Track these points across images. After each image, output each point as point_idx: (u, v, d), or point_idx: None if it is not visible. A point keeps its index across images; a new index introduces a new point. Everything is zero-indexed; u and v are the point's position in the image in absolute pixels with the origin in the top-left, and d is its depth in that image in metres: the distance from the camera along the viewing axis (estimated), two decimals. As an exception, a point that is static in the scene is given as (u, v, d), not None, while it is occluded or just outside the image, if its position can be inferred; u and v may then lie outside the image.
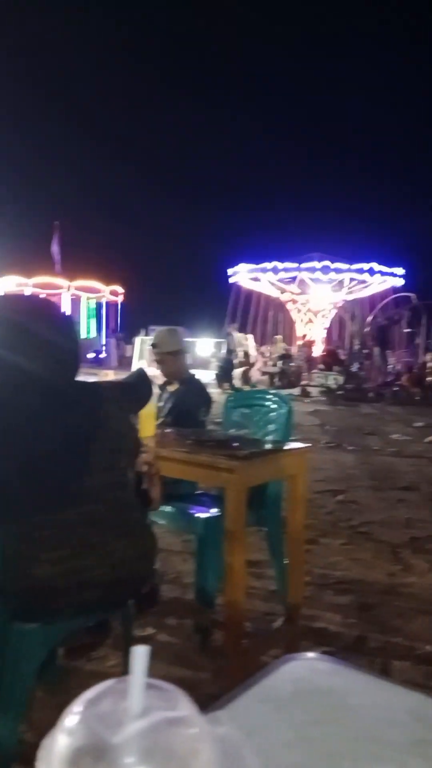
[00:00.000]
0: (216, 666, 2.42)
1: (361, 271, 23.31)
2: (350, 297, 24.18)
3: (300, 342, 22.92)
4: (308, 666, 0.82)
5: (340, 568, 3.52)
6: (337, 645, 2.64)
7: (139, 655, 0.37)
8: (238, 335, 17.83)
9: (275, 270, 23.54)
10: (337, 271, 23.10)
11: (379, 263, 23.60)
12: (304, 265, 23.05)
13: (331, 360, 17.06)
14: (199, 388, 3.32)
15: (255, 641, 2.61)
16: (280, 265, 23.36)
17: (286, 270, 23.39)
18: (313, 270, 23.04)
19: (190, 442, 2.52)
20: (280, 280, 24.32)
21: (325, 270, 22.98)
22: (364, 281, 23.78)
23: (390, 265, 23.96)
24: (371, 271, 23.43)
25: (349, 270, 23.19)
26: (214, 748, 0.38)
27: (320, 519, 4.44)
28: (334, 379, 15.52)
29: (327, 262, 22.87)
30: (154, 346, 3.39)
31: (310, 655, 0.89)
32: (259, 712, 0.70)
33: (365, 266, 23.25)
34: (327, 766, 0.61)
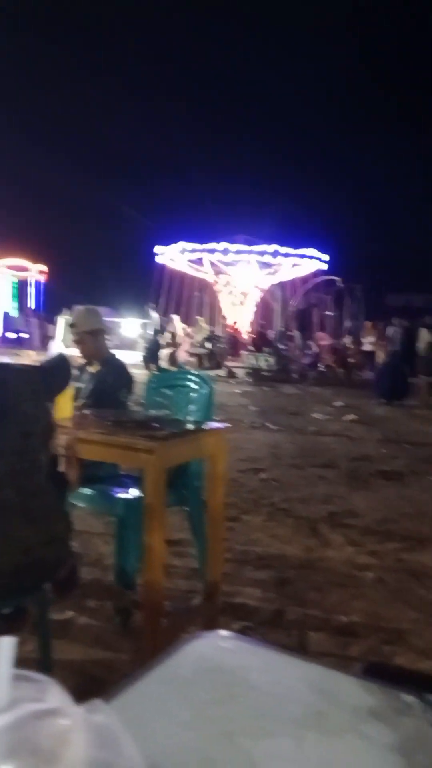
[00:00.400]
0: (136, 647, 2.42)
1: (302, 256, 23.57)
2: (276, 280, 24.48)
3: (224, 322, 23.04)
4: (212, 644, 0.82)
5: (261, 545, 3.59)
6: (256, 620, 2.70)
7: (4, 647, 0.35)
8: (155, 315, 17.70)
9: (225, 252, 23.21)
10: (286, 255, 23.23)
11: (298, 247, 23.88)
12: (255, 248, 22.97)
13: (260, 341, 17.32)
14: (120, 368, 3.26)
15: (174, 620, 2.62)
16: (231, 246, 23.07)
17: (238, 252, 23.13)
18: (263, 253, 23.03)
19: (109, 424, 2.48)
20: (212, 261, 24.19)
21: (275, 254, 23.06)
22: (299, 264, 24.07)
23: (316, 249, 24.36)
24: (311, 256, 23.75)
25: (296, 254, 23.39)
26: (88, 738, 0.36)
27: (242, 497, 4.50)
28: (265, 360, 15.78)
29: (276, 246, 22.91)
30: (72, 325, 3.31)
31: (218, 632, 0.89)
32: (158, 693, 0.69)
33: (307, 251, 23.52)
34: (223, 746, 0.61)
